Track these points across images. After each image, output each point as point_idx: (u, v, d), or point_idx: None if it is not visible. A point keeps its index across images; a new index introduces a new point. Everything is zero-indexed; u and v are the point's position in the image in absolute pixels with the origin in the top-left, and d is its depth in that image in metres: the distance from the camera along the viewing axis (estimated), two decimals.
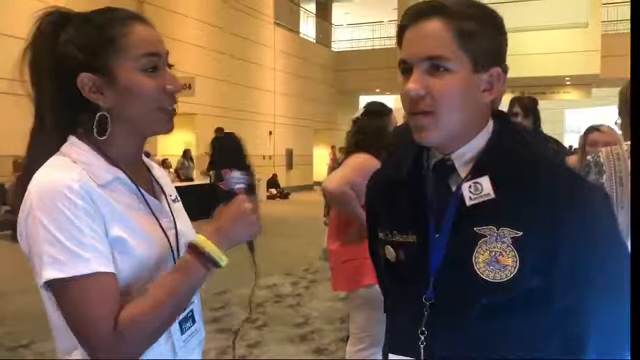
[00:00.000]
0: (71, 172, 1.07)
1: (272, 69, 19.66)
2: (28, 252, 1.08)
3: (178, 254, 1.19)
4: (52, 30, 1.14)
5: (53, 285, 1.03)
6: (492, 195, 1.05)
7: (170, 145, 14.13)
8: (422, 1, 1.09)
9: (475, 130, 1.11)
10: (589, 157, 2.37)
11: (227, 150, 1.21)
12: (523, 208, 1.04)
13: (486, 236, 1.04)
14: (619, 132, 2.81)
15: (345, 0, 24.54)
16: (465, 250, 1.05)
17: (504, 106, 3.36)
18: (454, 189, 1.11)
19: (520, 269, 1.02)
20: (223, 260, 1.09)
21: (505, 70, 1.11)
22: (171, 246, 1.18)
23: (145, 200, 1.18)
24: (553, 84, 20.90)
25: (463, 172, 1.11)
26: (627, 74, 1.95)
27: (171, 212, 1.24)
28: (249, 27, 18.08)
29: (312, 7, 24.34)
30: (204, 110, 14.52)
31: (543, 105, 4.13)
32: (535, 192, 1.04)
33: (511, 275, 1.02)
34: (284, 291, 6.32)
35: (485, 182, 1.07)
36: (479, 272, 1.04)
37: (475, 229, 1.05)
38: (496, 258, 1.03)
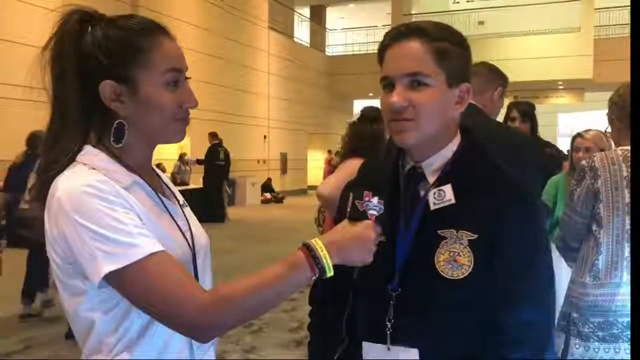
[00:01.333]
0: (95, 175, 1.09)
1: (267, 73, 19.66)
2: (64, 259, 1.08)
3: (195, 257, 1.20)
4: (77, 30, 1.14)
5: (114, 279, 1.03)
6: (453, 201, 1.19)
7: (166, 149, 14.09)
8: (401, 24, 1.24)
9: (445, 139, 1.25)
10: (583, 162, 2.39)
11: (380, 176, 1.26)
12: (478, 214, 1.18)
13: (447, 238, 1.17)
14: (610, 139, 2.85)
15: (339, 4, 24.59)
16: (428, 249, 1.18)
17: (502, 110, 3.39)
18: (422, 194, 1.24)
19: (475, 267, 1.15)
20: (331, 271, 1.08)
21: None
22: (190, 248, 1.19)
23: (163, 204, 1.19)
24: (546, 88, 21.00)
25: (431, 179, 1.24)
26: (620, 78, 1.96)
27: (184, 215, 1.25)
28: (243, 32, 18.08)
29: (306, 11, 24.37)
30: (199, 115, 14.48)
31: (536, 109, 4.16)
32: (487, 200, 1.18)
33: (467, 273, 1.15)
34: None
35: (447, 190, 1.21)
36: (439, 270, 1.16)
37: (438, 231, 1.19)
38: (455, 258, 1.16)
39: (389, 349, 1.21)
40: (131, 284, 1.03)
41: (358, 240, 1.11)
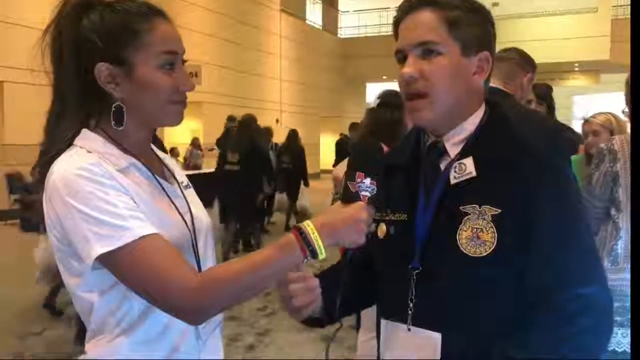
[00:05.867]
0: (90, 158, 1.10)
1: (279, 56, 19.60)
2: (60, 241, 1.10)
3: (195, 238, 1.21)
4: (75, 14, 1.15)
5: (106, 261, 1.05)
6: (474, 174, 1.15)
7: (178, 134, 14.14)
8: None
9: (467, 111, 1.21)
10: (602, 145, 2.36)
11: (371, 157, 1.24)
12: (502, 187, 1.13)
13: (469, 214, 1.13)
14: (626, 119, 2.81)
15: None
16: (450, 226, 1.15)
17: None
18: (442, 168, 1.21)
19: (499, 244, 1.10)
20: (323, 253, 1.08)
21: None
22: (189, 229, 1.20)
23: (161, 185, 1.20)
24: (562, 70, 20.75)
25: (452, 153, 1.20)
26: None
27: (184, 197, 1.26)
28: (255, 15, 18.01)
29: None
30: (211, 99, 14.51)
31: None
32: (513, 173, 1.13)
33: (490, 250, 1.10)
34: None
35: (468, 163, 1.16)
36: (461, 247, 1.12)
37: (460, 207, 1.15)
38: (477, 234, 1.12)
39: (409, 329, 1.18)
40: (122, 266, 1.05)
41: (349, 221, 1.11)
